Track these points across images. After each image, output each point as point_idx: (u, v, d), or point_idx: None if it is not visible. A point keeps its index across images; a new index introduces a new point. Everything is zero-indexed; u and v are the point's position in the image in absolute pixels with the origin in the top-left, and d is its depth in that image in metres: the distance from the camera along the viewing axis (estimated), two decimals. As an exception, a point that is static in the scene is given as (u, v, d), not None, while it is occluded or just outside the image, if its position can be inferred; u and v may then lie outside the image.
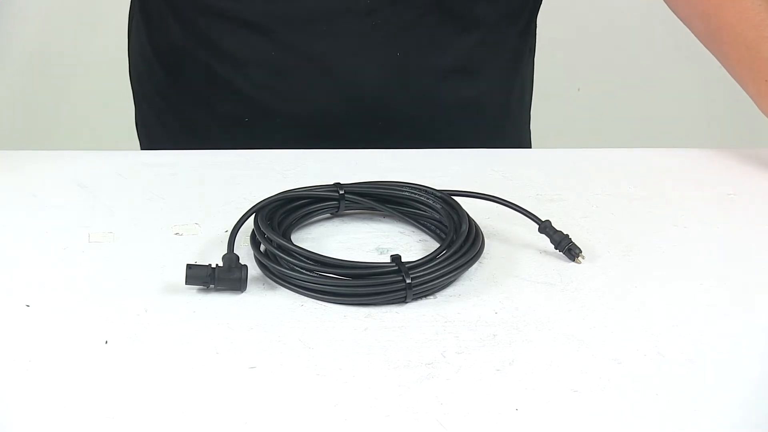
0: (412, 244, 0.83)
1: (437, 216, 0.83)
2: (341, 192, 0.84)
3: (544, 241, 0.82)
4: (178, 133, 1.12)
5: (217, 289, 0.75)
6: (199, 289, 0.75)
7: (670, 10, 1.02)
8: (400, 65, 1.03)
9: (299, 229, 0.84)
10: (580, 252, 0.80)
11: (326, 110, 1.05)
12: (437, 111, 1.07)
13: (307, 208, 0.84)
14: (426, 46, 1.03)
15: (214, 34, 1.05)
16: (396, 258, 0.76)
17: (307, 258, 0.75)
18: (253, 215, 0.80)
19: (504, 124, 1.03)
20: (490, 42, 1.08)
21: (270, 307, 0.73)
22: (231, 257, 0.76)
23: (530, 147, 1.21)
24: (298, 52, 1.03)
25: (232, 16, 1.03)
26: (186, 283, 0.74)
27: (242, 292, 0.75)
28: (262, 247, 0.78)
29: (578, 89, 2.26)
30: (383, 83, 1.04)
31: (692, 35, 1.01)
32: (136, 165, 0.95)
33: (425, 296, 0.75)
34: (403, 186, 0.86)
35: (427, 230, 0.84)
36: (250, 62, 1.05)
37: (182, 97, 1.11)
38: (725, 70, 0.99)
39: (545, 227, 0.82)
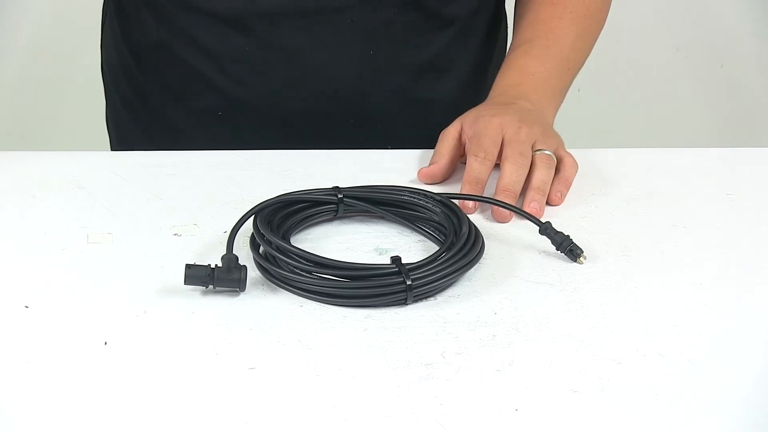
0: (411, 245, 0.83)
1: (436, 218, 0.83)
2: (340, 196, 0.84)
3: (543, 241, 0.82)
4: (152, 128, 1.12)
5: (216, 290, 0.74)
6: (199, 290, 0.75)
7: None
8: (374, 62, 1.04)
9: (298, 231, 0.84)
10: (582, 252, 0.80)
11: (300, 105, 1.06)
12: (411, 107, 1.08)
13: (306, 212, 0.83)
14: (400, 43, 1.04)
15: (191, 29, 1.05)
16: (396, 259, 0.76)
17: (307, 260, 0.75)
18: (252, 217, 0.80)
19: None
20: (461, 38, 1.09)
21: (269, 308, 0.73)
22: (230, 257, 0.75)
23: None
24: (273, 47, 1.04)
25: (209, 11, 1.04)
26: (185, 283, 0.74)
27: (242, 292, 0.75)
28: (262, 249, 0.78)
29: (578, 89, 2.26)
30: (357, 79, 1.05)
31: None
32: (134, 165, 0.95)
33: (425, 298, 0.75)
34: (402, 190, 0.85)
35: (426, 233, 0.83)
36: (226, 57, 1.05)
37: (156, 92, 1.11)
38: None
39: (546, 229, 0.82)
